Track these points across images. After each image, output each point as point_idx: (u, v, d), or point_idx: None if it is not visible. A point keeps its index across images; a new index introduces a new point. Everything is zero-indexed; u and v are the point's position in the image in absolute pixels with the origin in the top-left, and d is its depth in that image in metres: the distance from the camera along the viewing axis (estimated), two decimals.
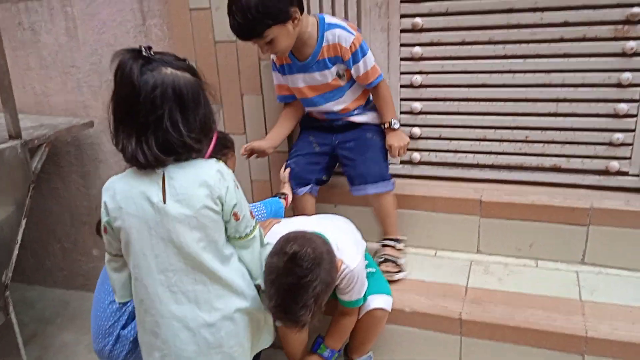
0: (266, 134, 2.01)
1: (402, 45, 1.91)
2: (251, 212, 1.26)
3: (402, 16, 1.87)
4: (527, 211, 1.83)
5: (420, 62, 1.92)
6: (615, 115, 1.77)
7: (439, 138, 1.99)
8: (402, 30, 1.89)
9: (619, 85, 1.74)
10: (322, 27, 1.69)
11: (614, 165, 1.81)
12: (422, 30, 1.87)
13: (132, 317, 1.49)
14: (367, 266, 1.58)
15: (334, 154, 1.87)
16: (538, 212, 1.82)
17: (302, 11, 1.62)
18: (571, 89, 1.79)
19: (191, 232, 1.16)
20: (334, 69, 1.72)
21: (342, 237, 1.47)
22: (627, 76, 1.71)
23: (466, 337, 1.63)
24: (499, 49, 1.82)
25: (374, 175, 1.75)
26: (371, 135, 1.82)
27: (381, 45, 1.92)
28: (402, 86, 1.96)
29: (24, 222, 2.01)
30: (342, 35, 1.67)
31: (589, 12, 1.70)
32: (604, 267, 1.80)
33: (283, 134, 1.90)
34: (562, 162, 1.87)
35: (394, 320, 1.68)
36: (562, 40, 1.75)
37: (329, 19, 1.71)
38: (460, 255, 1.94)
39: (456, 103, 1.92)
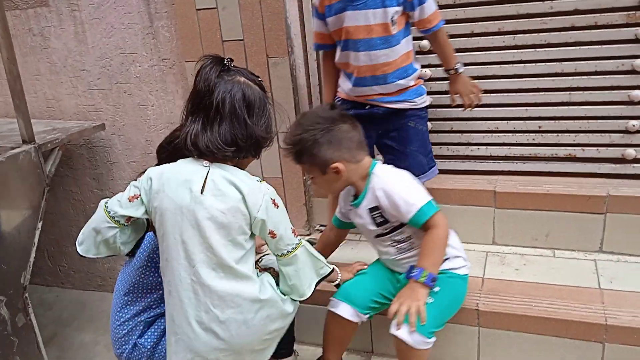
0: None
1: None
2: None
3: None
4: (542, 201, 1.82)
5: (429, 56, 1.91)
6: (630, 102, 1.75)
7: (450, 131, 1.98)
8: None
9: (632, 72, 1.72)
10: None
11: (630, 152, 1.80)
12: None
13: (148, 325, 1.48)
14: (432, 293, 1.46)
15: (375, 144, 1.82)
16: (553, 202, 1.81)
17: None
18: (584, 77, 1.77)
19: (217, 230, 1.22)
20: (391, 10, 1.59)
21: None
22: None
23: (484, 328, 1.63)
24: (509, 40, 1.81)
25: (420, 167, 1.74)
26: (414, 124, 1.76)
27: None
28: None
29: (40, 225, 2.03)
30: None
31: None
32: (623, 255, 1.79)
33: (334, 91, 1.85)
34: (577, 152, 1.86)
35: None
36: (573, 28, 1.74)
37: None
38: (475, 246, 1.93)
39: None
